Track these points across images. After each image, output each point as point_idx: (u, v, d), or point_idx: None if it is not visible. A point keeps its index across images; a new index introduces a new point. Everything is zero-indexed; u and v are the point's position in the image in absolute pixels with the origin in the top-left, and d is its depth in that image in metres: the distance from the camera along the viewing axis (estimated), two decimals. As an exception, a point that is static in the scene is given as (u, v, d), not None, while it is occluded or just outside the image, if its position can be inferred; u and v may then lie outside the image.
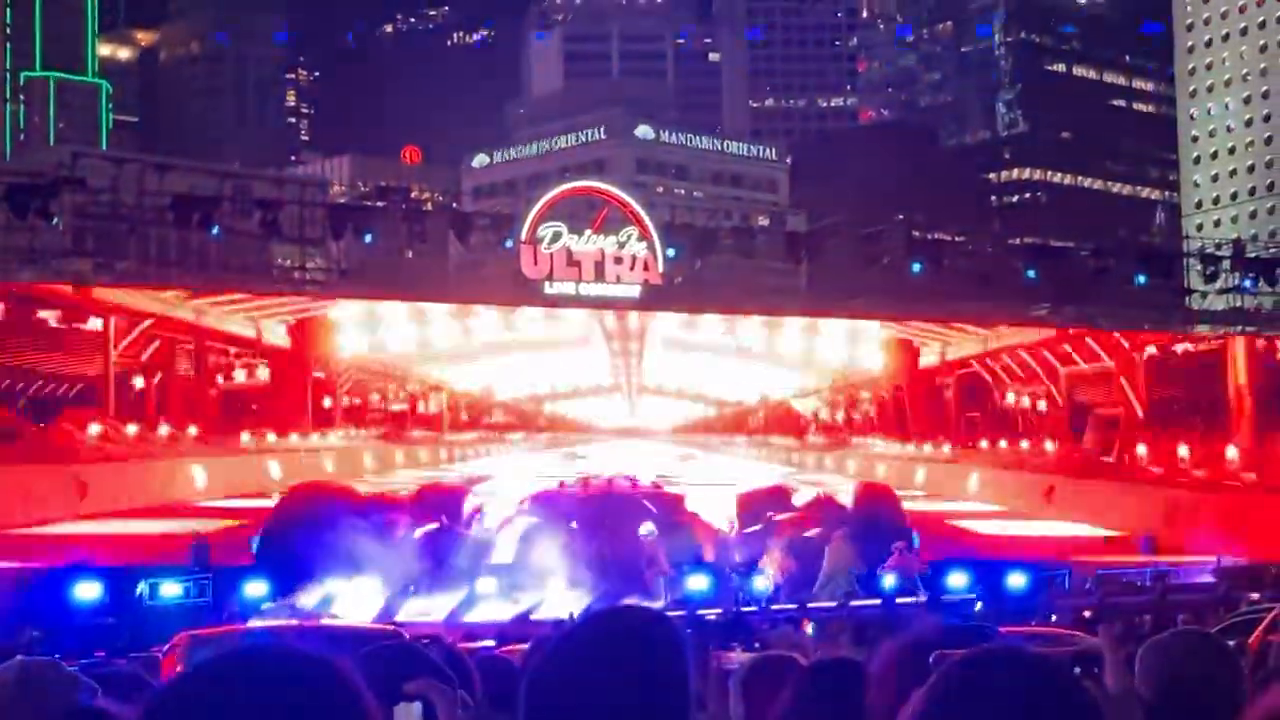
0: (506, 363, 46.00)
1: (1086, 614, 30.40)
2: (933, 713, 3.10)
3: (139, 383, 41.40)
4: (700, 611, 32.84)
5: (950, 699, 3.10)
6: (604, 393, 46.41)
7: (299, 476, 42.05)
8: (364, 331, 44.39)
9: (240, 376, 43.59)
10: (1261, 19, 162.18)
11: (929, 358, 49.12)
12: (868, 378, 48.83)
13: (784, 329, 47.72)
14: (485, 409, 46.63)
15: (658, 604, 37.74)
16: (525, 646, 14.53)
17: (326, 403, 44.45)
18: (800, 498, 45.48)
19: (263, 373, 43.74)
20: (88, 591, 33.90)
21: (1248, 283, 48.88)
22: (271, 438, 42.46)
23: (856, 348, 48.04)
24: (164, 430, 40.97)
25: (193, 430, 41.28)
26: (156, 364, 41.64)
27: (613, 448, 46.19)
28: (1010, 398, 49.51)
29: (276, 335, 43.46)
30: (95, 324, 40.21)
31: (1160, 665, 4.99)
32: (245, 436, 42.13)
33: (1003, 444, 48.24)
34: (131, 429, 40.51)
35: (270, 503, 40.76)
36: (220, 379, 43.34)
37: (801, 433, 48.29)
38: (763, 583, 40.70)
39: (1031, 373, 49.34)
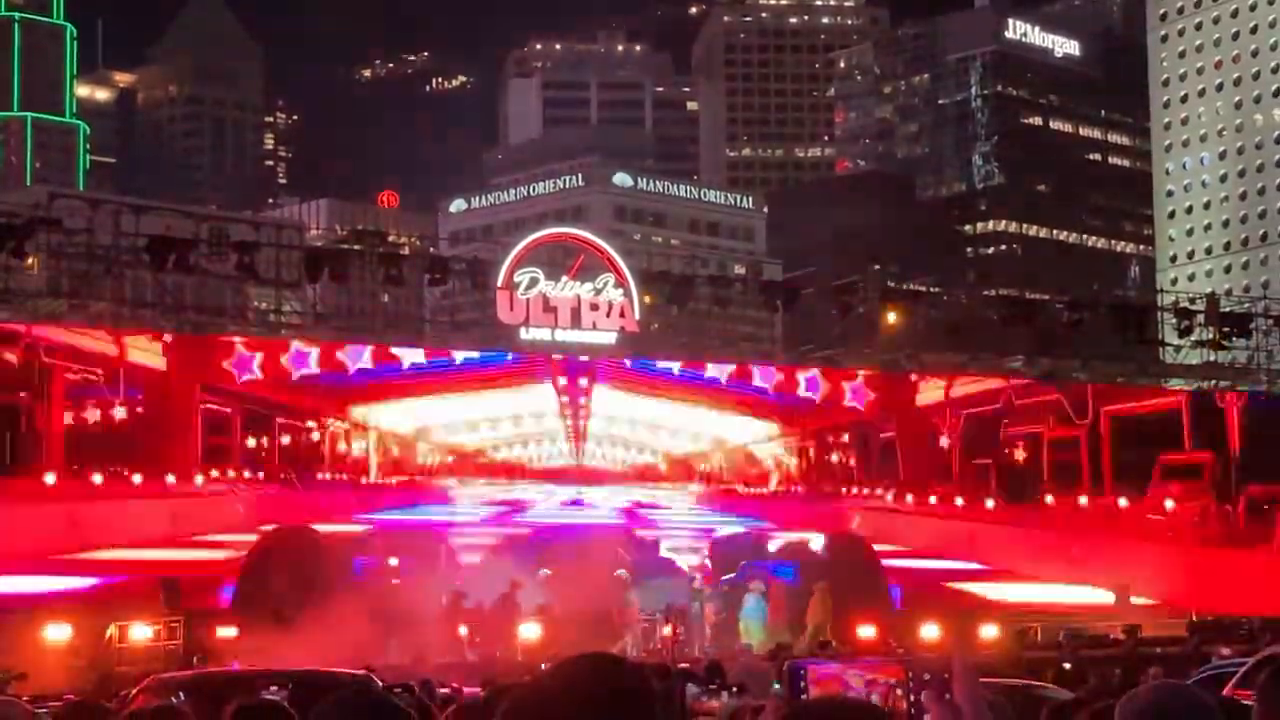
0: (442, 401, 44.95)
1: (1066, 666, 30.43)
2: None
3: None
4: (678, 660, 32.82)
5: None
6: (550, 434, 45.70)
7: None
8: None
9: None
10: (1237, 75, 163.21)
11: (929, 394, 47.97)
12: (848, 419, 47.92)
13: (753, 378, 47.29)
14: (417, 452, 45.08)
15: (631, 650, 37.71)
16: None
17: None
18: (775, 544, 45.41)
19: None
20: (57, 633, 33.71)
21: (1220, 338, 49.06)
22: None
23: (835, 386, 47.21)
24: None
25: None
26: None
27: (558, 494, 45.59)
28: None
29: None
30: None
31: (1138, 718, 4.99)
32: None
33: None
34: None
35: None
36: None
37: (762, 480, 47.49)
38: (742, 630, 40.72)
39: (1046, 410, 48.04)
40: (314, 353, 42.46)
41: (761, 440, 47.78)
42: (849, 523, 46.14)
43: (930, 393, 47.65)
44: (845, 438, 48.55)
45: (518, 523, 44.62)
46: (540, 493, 45.43)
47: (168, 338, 41.04)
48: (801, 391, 46.46)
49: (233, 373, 41.20)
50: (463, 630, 39.26)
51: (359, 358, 42.95)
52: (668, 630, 38.93)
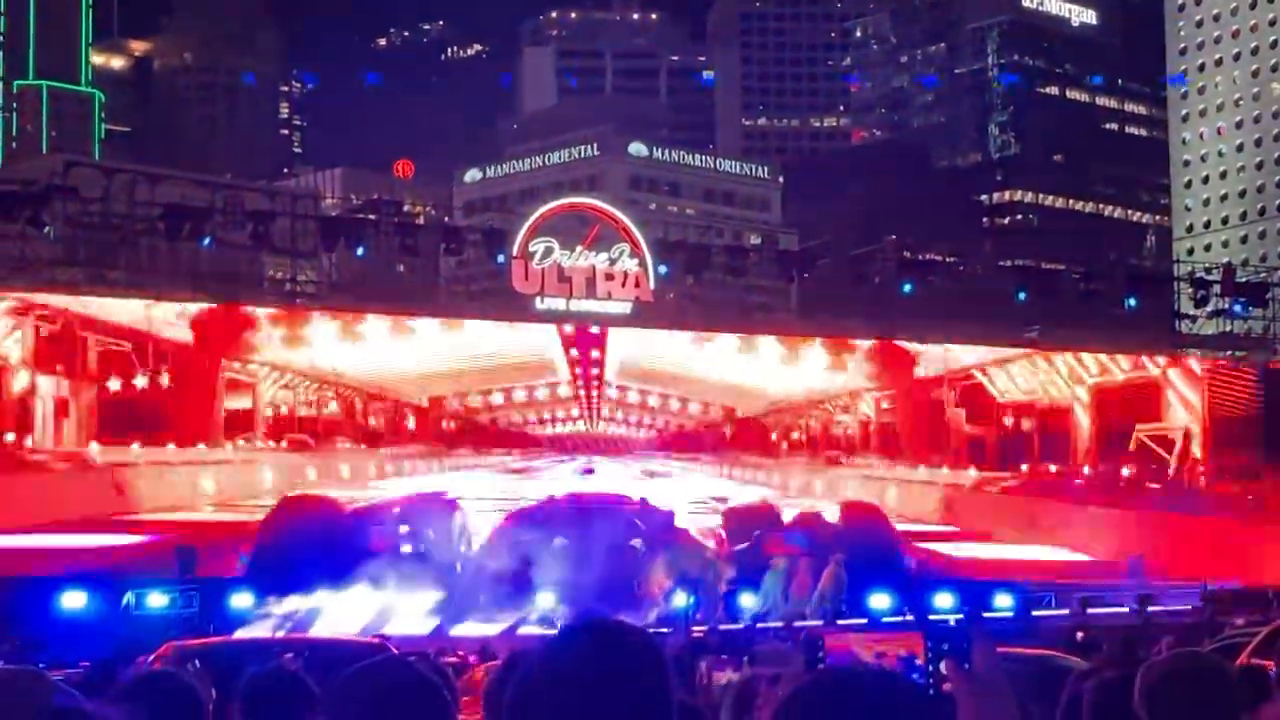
0: (458, 372, 45.09)
1: (1080, 635, 30.43)
2: None
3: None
4: (692, 630, 32.88)
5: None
6: (562, 404, 45.80)
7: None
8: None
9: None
10: (1254, 44, 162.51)
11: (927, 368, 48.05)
12: (850, 390, 48.08)
13: (757, 347, 47.28)
14: (433, 420, 45.24)
15: (647, 620, 37.77)
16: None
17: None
18: (788, 515, 45.44)
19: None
20: (73, 601, 33.84)
21: (1238, 307, 48.95)
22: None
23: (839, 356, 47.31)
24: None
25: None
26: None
27: (571, 464, 45.72)
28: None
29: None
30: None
31: (1162, 687, 5.00)
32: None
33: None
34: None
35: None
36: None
37: (772, 451, 47.60)
38: (751, 600, 40.75)
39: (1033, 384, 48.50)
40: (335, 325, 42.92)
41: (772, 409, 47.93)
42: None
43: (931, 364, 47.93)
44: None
45: (531, 492, 44.69)
46: (553, 462, 45.53)
47: (194, 310, 41.32)
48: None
49: (256, 344, 41.73)
50: (480, 599, 39.33)
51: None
52: (682, 601, 39.02)
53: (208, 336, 41.16)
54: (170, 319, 40.80)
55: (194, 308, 41.26)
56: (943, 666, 3.58)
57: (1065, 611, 38.40)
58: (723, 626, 35.22)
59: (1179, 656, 4.97)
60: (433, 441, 44.59)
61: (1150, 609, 37.76)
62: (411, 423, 44.89)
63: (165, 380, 40.33)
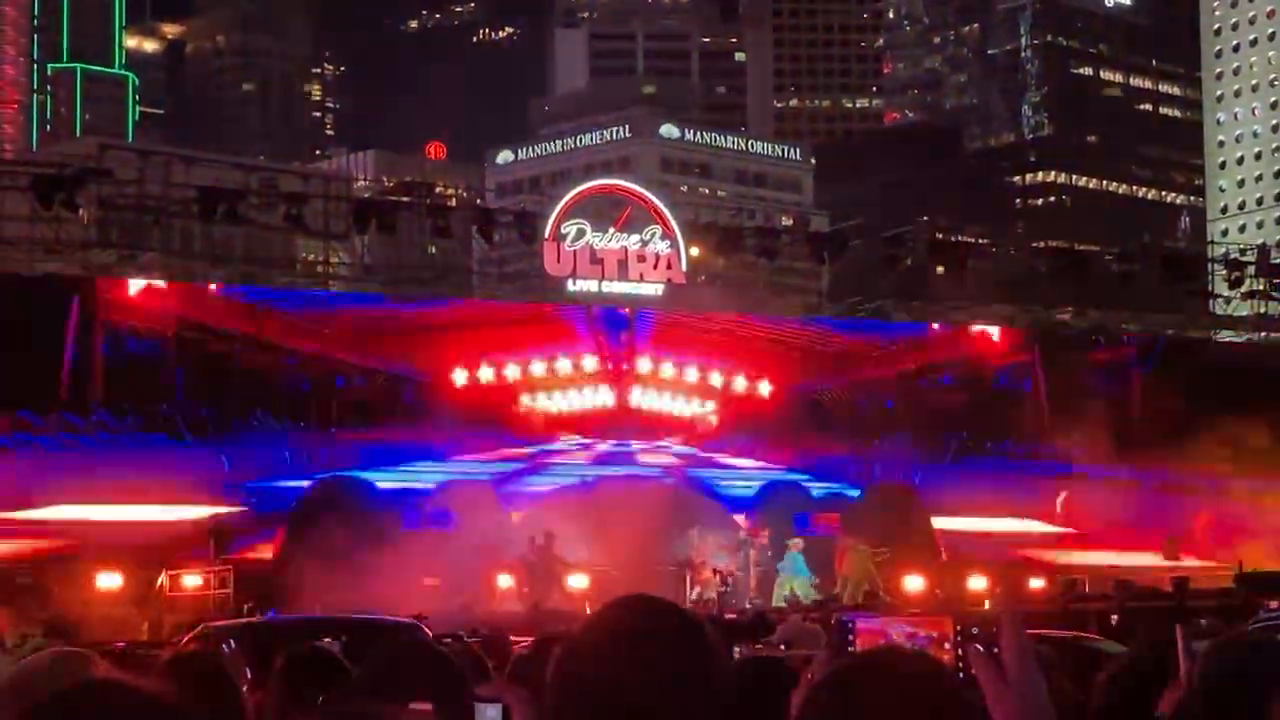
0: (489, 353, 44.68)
1: (1114, 619, 30.36)
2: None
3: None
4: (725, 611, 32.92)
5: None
6: (589, 379, 45.35)
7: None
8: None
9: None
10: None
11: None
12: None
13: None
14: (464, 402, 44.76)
15: (684, 600, 37.75)
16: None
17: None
18: (820, 494, 45.36)
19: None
20: (109, 581, 34.02)
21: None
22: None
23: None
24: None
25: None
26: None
27: (602, 444, 45.56)
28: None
29: (204, 309, 41.75)
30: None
31: (1227, 664, 5.01)
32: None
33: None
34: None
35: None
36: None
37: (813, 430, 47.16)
38: (784, 582, 40.78)
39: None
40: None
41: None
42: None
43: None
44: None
45: (564, 473, 44.65)
46: (582, 444, 45.43)
47: (217, 290, 41.55)
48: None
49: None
50: (508, 581, 39.37)
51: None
52: (716, 582, 39.06)
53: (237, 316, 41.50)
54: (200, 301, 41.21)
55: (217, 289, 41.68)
56: (970, 651, 3.59)
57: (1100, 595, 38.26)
58: (754, 608, 35.22)
59: (1230, 637, 4.98)
60: (466, 420, 44.17)
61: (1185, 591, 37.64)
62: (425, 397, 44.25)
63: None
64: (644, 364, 45.25)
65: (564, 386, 45.17)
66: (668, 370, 45.45)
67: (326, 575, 35.05)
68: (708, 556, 40.78)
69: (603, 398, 45.28)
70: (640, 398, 45.47)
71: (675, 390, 45.85)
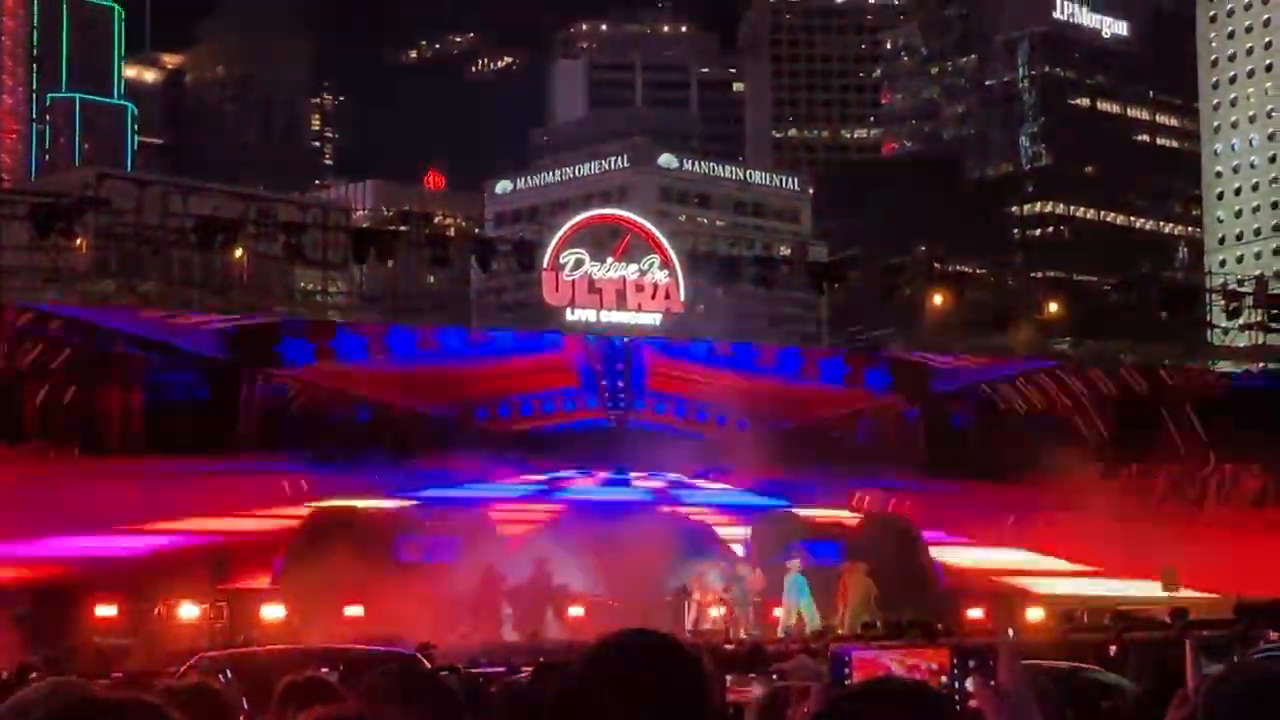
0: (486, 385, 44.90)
1: (1113, 650, 30.27)
2: None
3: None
4: (723, 643, 32.81)
5: None
6: (588, 409, 45.55)
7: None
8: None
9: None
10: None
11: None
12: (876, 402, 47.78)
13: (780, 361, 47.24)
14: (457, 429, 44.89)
15: (679, 631, 37.66)
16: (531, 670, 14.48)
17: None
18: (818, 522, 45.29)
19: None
20: (105, 611, 33.96)
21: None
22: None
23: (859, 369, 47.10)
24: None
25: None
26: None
27: (601, 473, 45.60)
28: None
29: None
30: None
31: (1223, 700, 4.99)
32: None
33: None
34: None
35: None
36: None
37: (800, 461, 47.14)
38: (782, 612, 40.65)
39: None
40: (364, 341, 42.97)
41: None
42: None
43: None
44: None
45: (561, 500, 44.64)
46: (582, 471, 45.45)
47: (228, 327, 41.55)
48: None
49: (285, 358, 41.67)
50: (506, 610, 39.32)
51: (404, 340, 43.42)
52: (716, 612, 38.98)
53: (244, 352, 41.48)
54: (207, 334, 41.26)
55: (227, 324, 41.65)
56: (969, 683, 3.58)
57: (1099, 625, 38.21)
58: (752, 639, 35.13)
59: (1239, 667, 4.95)
60: (454, 450, 44.16)
61: (1183, 622, 37.57)
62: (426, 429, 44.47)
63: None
64: (641, 396, 45.35)
65: (568, 419, 45.44)
66: (662, 407, 45.65)
67: (325, 605, 35.04)
68: (706, 586, 40.68)
69: (601, 427, 45.34)
70: (640, 427, 45.49)
71: (676, 421, 45.90)
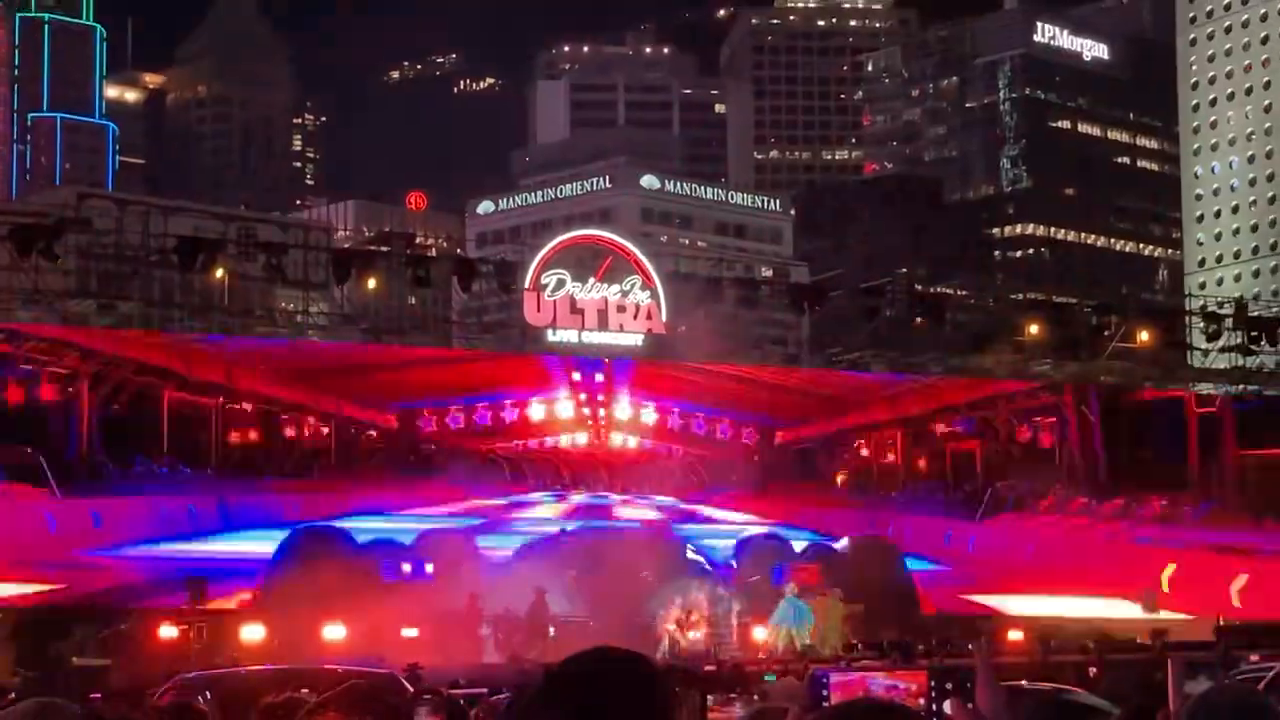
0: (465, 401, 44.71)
1: (1092, 671, 30.34)
2: None
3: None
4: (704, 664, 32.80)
5: None
6: (565, 425, 45.41)
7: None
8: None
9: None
10: (1266, 79, 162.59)
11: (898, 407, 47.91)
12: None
13: (755, 382, 47.27)
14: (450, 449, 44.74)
15: (658, 653, 37.63)
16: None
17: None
18: (799, 547, 45.28)
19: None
20: (85, 633, 33.86)
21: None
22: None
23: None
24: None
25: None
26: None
27: (580, 494, 45.48)
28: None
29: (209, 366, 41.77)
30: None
31: (1215, 717, 4.98)
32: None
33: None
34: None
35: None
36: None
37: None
38: (764, 633, 40.64)
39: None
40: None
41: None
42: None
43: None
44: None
45: (543, 525, 44.55)
46: (558, 493, 45.35)
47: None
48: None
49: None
50: (484, 631, 39.28)
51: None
52: (695, 634, 38.96)
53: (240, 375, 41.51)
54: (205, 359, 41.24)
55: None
56: (947, 706, 3.60)
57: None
58: (733, 660, 35.12)
59: (1220, 690, 4.94)
60: (420, 468, 44.03)
61: (1163, 643, 37.62)
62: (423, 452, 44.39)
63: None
64: (623, 409, 45.24)
65: (538, 434, 45.17)
66: (649, 416, 45.46)
67: (307, 625, 34.96)
68: (689, 608, 40.67)
69: (580, 443, 45.26)
70: (620, 444, 45.43)
71: (657, 437, 45.83)
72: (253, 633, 35.01)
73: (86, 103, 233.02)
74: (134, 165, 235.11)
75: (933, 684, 3.33)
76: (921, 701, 3.46)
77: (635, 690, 3.64)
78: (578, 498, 45.37)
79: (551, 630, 38.68)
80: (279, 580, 38.37)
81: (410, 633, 36.92)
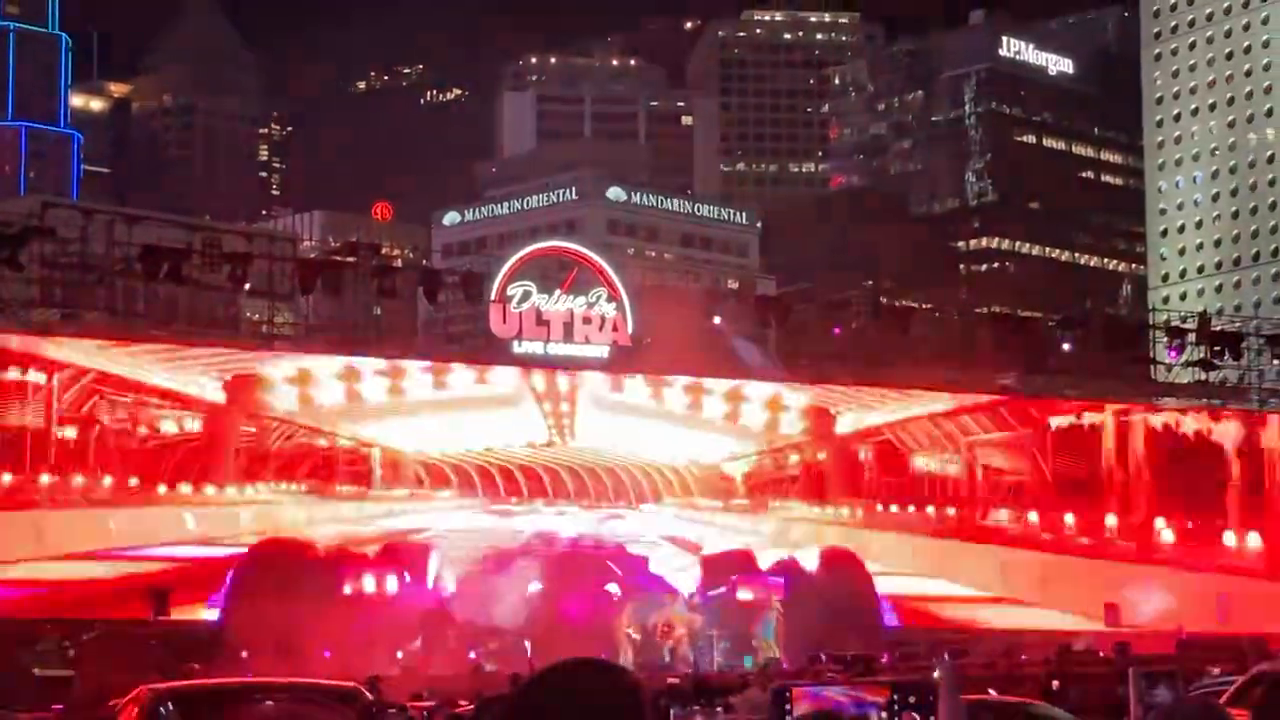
0: (438, 421, 44.94)
1: (1055, 684, 30.39)
2: None
3: (69, 433, 40.71)
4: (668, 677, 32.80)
5: None
6: (537, 449, 45.68)
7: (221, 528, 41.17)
8: (295, 387, 43.47)
9: (171, 429, 42.44)
10: (1229, 94, 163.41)
11: (845, 425, 48.23)
12: (790, 443, 48.20)
13: (712, 393, 47.44)
14: (415, 466, 45.04)
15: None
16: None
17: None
18: (765, 561, 45.35)
19: (191, 424, 42.61)
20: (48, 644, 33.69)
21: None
22: (186, 489, 41.50)
23: (777, 413, 47.50)
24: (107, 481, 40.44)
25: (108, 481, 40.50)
26: (91, 416, 40.89)
27: (546, 508, 45.53)
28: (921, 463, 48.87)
29: (209, 390, 42.56)
30: (36, 377, 39.71)
31: None
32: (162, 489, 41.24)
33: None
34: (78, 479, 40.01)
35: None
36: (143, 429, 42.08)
37: (728, 496, 47.52)
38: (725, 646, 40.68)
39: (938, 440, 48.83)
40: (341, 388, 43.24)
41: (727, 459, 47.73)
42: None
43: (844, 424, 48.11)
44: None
45: (507, 536, 44.50)
46: (527, 506, 45.32)
47: (228, 376, 41.92)
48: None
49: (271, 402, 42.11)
50: (453, 642, 39.23)
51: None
52: (668, 646, 38.99)
53: (236, 397, 41.67)
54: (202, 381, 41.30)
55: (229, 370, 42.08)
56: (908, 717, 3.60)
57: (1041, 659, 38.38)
58: (695, 673, 35.12)
59: (1182, 701, 4.98)
60: (412, 484, 44.30)
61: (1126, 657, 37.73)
62: (379, 468, 44.58)
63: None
64: (591, 421, 45.29)
65: (504, 443, 45.28)
66: (619, 428, 45.53)
67: (270, 636, 34.86)
68: (655, 620, 40.72)
69: (545, 455, 45.29)
70: (587, 458, 45.46)
71: (628, 449, 45.89)
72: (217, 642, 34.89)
73: (51, 112, 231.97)
74: (99, 175, 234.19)
75: (894, 698, 3.32)
76: (883, 715, 3.45)
77: (616, 700, 3.63)
78: (547, 510, 45.37)
79: (528, 645, 38.62)
80: (240, 591, 38.24)
81: (375, 644, 36.84)
